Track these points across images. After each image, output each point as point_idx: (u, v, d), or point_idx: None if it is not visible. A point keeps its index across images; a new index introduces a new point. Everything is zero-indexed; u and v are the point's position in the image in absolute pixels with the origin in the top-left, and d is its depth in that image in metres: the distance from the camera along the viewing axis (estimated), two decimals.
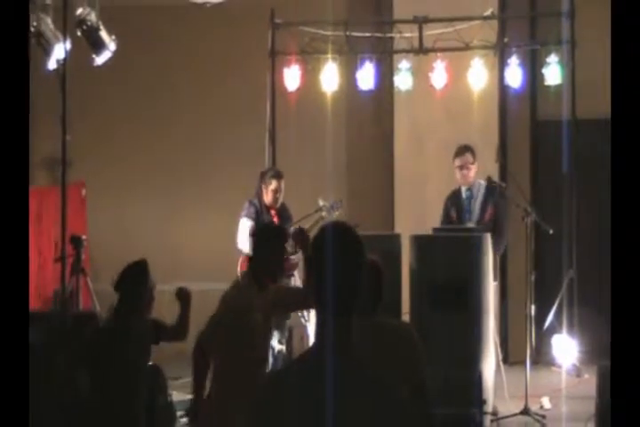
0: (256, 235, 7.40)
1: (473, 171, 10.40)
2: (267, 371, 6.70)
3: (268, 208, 10.30)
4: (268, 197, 10.30)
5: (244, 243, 10.17)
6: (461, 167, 10.38)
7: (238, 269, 10.06)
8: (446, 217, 10.49)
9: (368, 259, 3.62)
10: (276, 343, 10.09)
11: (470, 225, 10.23)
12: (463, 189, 10.48)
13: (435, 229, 10.32)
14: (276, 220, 10.26)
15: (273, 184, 10.27)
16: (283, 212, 10.41)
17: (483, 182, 10.43)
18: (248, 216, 10.22)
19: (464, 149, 10.43)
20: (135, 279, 6.94)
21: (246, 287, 6.60)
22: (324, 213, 10.19)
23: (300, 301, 6.66)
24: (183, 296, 7.11)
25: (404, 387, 4.85)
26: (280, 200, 10.38)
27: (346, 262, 3.34)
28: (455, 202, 10.49)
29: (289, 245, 10.01)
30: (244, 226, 10.21)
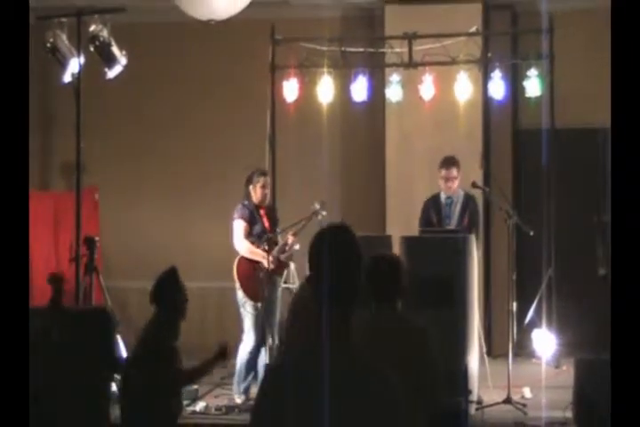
0: None
1: (456, 183, 10.45)
2: None
3: (258, 208, 10.25)
4: (257, 195, 10.22)
5: (239, 243, 10.17)
6: (446, 179, 10.42)
7: (234, 269, 10.07)
8: (426, 220, 10.50)
9: (389, 255, 3.63)
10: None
11: (451, 227, 10.29)
12: (443, 195, 10.50)
13: (422, 231, 10.35)
14: (265, 220, 10.25)
15: (260, 181, 10.23)
16: (271, 212, 10.41)
17: (462, 193, 10.49)
18: (242, 217, 10.22)
19: (451, 163, 10.43)
20: (172, 288, 6.82)
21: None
22: (320, 217, 10.19)
23: None
24: (221, 350, 7.00)
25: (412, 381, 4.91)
26: (268, 197, 10.36)
27: (344, 262, 3.33)
28: (435, 207, 10.52)
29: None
30: (239, 227, 10.20)
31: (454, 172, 10.39)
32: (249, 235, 10.10)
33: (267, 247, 10.01)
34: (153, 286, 6.75)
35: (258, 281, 9.95)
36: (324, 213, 10.22)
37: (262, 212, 10.22)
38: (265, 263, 9.96)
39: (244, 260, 10.09)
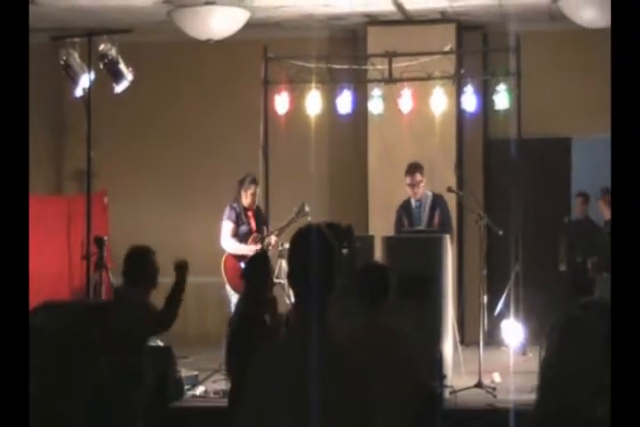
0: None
1: (422, 188, 10.51)
2: None
3: (247, 210, 10.33)
4: (247, 200, 10.32)
5: (226, 242, 10.23)
6: (412, 185, 10.47)
7: (222, 265, 10.10)
8: (399, 226, 10.56)
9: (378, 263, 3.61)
10: None
11: (421, 228, 10.34)
12: (413, 200, 10.56)
13: (401, 232, 10.39)
14: (252, 221, 10.33)
15: (252, 189, 10.33)
16: (258, 213, 10.48)
17: (430, 194, 10.52)
18: (229, 219, 10.27)
19: (414, 169, 10.48)
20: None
21: None
22: (309, 218, 10.21)
23: None
24: (182, 267, 6.88)
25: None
26: (256, 202, 10.43)
27: (320, 259, 3.31)
28: (406, 211, 10.60)
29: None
30: (227, 228, 10.26)
31: (418, 177, 10.46)
32: (235, 235, 10.20)
33: (259, 245, 10.11)
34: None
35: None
36: (307, 211, 10.24)
37: (250, 213, 10.32)
38: None
39: (230, 257, 10.18)
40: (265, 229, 10.45)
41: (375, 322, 5.60)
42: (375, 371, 3.34)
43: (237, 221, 10.27)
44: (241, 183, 10.34)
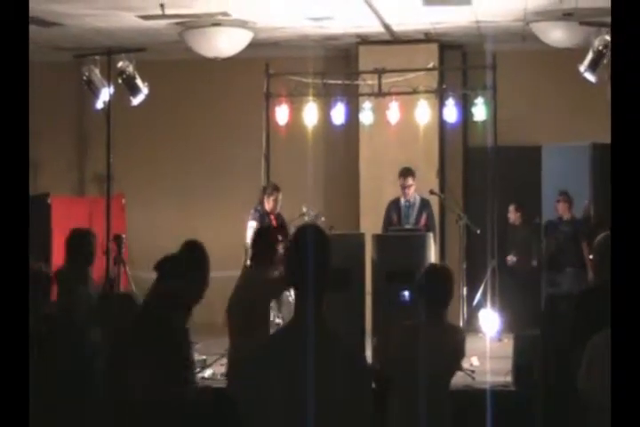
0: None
1: (412, 189, 10.55)
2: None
3: (269, 214, 10.34)
4: (269, 205, 10.37)
5: (250, 240, 10.21)
6: (403, 187, 10.52)
7: (247, 260, 10.09)
8: (388, 220, 10.59)
9: (441, 265, 3.54)
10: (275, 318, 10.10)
11: (408, 226, 10.34)
12: (402, 199, 10.58)
13: (387, 230, 10.39)
14: (274, 222, 10.33)
15: (274, 195, 10.36)
16: (279, 217, 10.48)
17: (418, 197, 10.54)
18: (255, 219, 10.29)
19: (406, 173, 10.54)
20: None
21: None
22: (306, 218, 10.21)
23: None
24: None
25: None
26: (278, 207, 10.44)
27: (316, 257, 3.27)
28: (395, 208, 10.61)
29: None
30: (252, 227, 10.26)
31: (410, 180, 10.49)
32: None
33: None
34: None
35: None
36: (312, 213, 10.27)
37: (272, 217, 10.34)
38: None
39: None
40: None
41: (441, 321, 5.49)
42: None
43: (261, 222, 10.27)
44: (264, 190, 10.44)
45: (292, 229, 9.96)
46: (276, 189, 10.40)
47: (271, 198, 10.33)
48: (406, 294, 8.92)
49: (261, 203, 10.39)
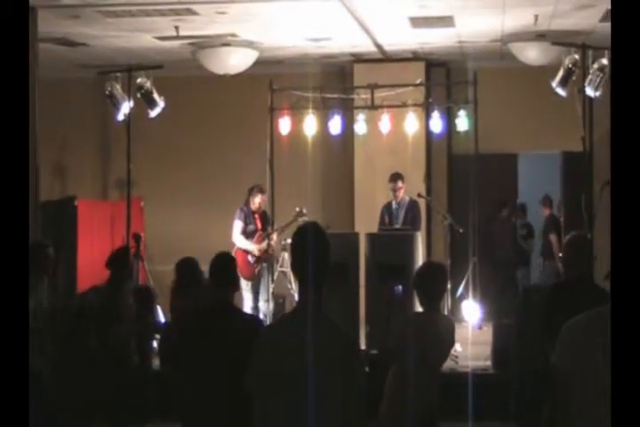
0: None
1: (402, 192, 10.55)
2: None
3: (254, 213, 10.40)
4: (254, 206, 10.38)
5: (236, 238, 10.30)
6: (394, 190, 10.53)
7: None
8: (382, 221, 10.62)
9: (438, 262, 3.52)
10: (261, 303, 10.23)
11: (397, 226, 10.36)
12: (394, 202, 10.59)
13: (380, 230, 10.40)
14: (259, 221, 10.39)
15: (259, 197, 10.39)
16: (264, 215, 10.51)
17: (407, 198, 10.57)
18: (239, 219, 10.36)
19: (396, 177, 10.57)
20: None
21: None
22: (305, 218, 10.23)
23: None
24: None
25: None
26: (262, 208, 10.45)
27: (317, 251, 3.28)
28: (388, 210, 10.64)
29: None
30: (237, 226, 10.34)
31: (399, 183, 10.51)
32: (244, 232, 10.27)
33: (264, 241, 10.20)
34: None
35: (249, 265, 10.11)
36: (305, 215, 10.31)
37: (257, 215, 10.37)
38: (255, 252, 10.26)
39: (239, 250, 10.24)
40: (269, 228, 10.48)
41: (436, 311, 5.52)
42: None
43: (246, 222, 10.34)
44: (250, 191, 10.43)
45: (293, 230, 9.99)
46: (260, 190, 10.42)
47: (255, 199, 10.36)
48: (397, 286, 8.92)
49: (247, 203, 10.41)
